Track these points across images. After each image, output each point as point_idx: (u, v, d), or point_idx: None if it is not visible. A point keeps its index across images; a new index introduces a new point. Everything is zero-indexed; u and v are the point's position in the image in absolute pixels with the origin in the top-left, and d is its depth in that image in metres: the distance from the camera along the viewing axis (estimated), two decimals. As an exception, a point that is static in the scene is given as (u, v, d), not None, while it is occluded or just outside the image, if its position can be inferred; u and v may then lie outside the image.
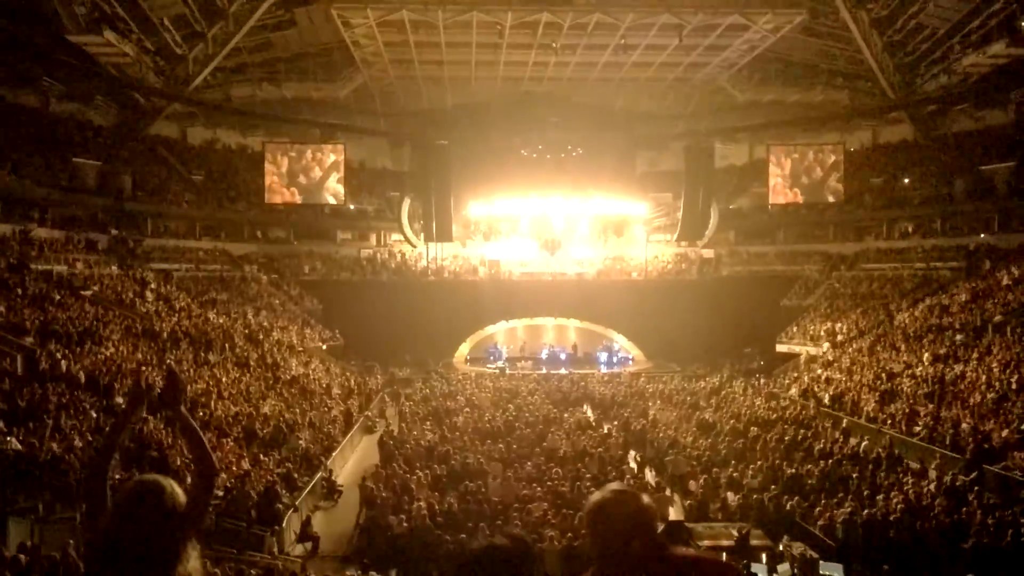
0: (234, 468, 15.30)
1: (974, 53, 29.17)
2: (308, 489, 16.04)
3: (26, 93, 33.44)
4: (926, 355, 23.11)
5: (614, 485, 2.15)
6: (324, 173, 39.36)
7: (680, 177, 37.87)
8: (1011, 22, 26.45)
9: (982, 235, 33.10)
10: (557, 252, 41.09)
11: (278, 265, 38.89)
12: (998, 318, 23.64)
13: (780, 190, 39.45)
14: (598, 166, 40.10)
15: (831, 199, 38.85)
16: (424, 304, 35.04)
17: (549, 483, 15.30)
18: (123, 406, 2.84)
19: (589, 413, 24.94)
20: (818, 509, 13.86)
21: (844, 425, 20.61)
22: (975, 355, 21.70)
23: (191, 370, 21.16)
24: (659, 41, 33.63)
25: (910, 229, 36.97)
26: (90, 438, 13.93)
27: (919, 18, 30.94)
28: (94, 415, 15.46)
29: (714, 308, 34.34)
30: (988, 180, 34.28)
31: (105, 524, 2.25)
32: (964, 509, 12.92)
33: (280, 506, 14.26)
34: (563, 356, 37.72)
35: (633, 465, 18.16)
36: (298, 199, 39.31)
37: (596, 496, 2.08)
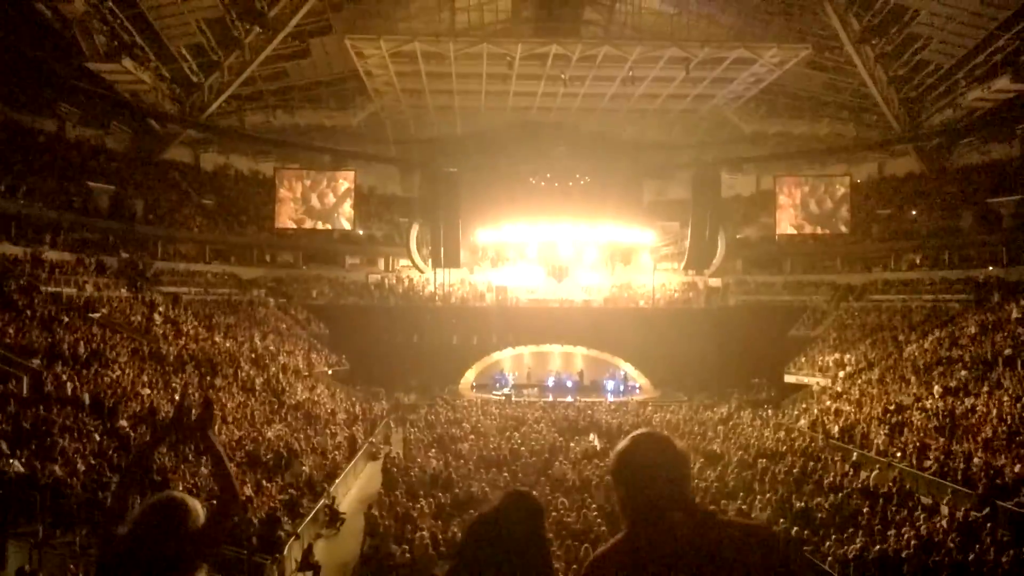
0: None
1: (979, 88, 29.37)
2: (310, 516, 15.90)
3: (43, 119, 34.00)
4: (936, 388, 22.88)
5: (644, 428, 2.07)
6: (338, 199, 39.72)
7: (687, 206, 38.00)
8: (1015, 58, 26.66)
9: (990, 267, 32.98)
10: (564, 279, 41.11)
11: (286, 289, 39.05)
12: (1008, 351, 23.43)
13: (790, 221, 39.50)
14: (605, 194, 40.28)
15: (842, 229, 38.85)
16: (431, 329, 35.05)
17: (554, 513, 15.10)
18: (163, 423, 2.87)
19: (596, 442, 24.70)
20: (828, 544, 13.63)
21: (854, 458, 20.35)
22: (985, 388, 21.48)
23: (195, 394, 21.14)
24: (666, 73, 33.99)
25: (918, 261, 36.86)
26: (92, 461, 13.89)
27: (924, 54, 31.20)
28: (97, 438, 15.43)
29: (722, 337, 34.18)
30: (995, 213, 34.25)
31: (124, 536, 2.25)
32: (977, 546, 12.68)
33: (282, 534, 14.13)
34: (570, 384, 37.53)
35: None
36: (311, 224, 39.63)
37: (625, 441, 1.98)
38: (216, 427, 17.94)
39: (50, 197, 30.79)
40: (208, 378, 23.18)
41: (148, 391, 19.54)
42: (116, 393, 18.26)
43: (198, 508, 2.29)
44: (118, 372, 19.97)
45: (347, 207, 39.78)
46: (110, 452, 15.08)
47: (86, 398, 17.33)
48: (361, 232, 41.91)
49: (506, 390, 36.02)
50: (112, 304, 26.88)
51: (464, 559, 1.87)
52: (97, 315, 24.63)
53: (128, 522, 2.30)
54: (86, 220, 32.41)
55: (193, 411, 2.84)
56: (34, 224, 29.43)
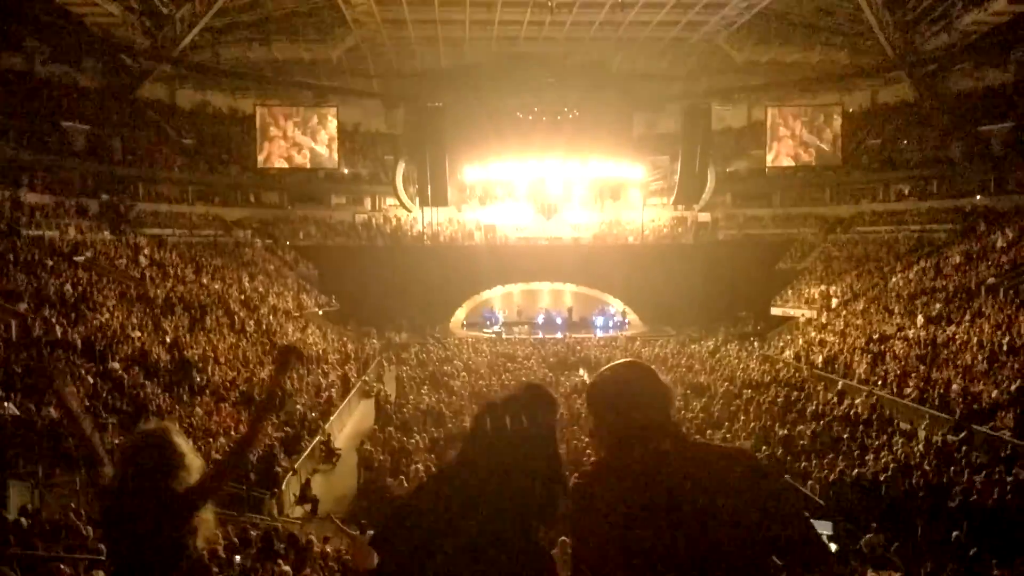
0: (232, 432, 15.43)
1: (976, 10, 28.75)
2: (306, 453, 16.22)
3: (11, 55, 32.79)
4: (919, 317, 23.26)
5: (624, 359, 2.09)
6: (321, 136, 38.99)
7: (677, 140, 37.58)
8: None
9: (978, 197, 33.03)
10: (553, 216, 40.94)
11: (272, 230, 38.68)
12: (991, 280, 23.74)
13: (782, 153, 39.18)
14: (595, 128, 39.69)
15: (832, 160, 38.65)
16: (420, 269, 34.99)
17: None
18: (265, 402, 2.87)
19: (585, 377, 25.12)
20: (809, 468, 14.09)
21: (839, 387, 20.82)
22: (967, 317, 21.85)
23: (186, 336, 21.20)
24: (656, -1, 33.02)
25: (906, 191, 36.88)
26: (87, 404, 13.99)
27: (920, -26, 30.46)
28: (91, 381, 15.52)
29: (710, 272, 34.37)
30: (985, 141, 34.10)
31: (112, 485, 2.23)
32: (952, 468, 13.14)
33: (279, 469, 14.44)
34: (559, 320, 37.85)
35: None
36: (295, 163, 38.98)
37: (604, 369, 2.02)
38: (206, 366, 17.99)
39: (24, 138, 30.01)
40: (198, 320, 23.18)
41: (138, 334, 19.55)
42: (107, 336, 18.27)
43: (192, 456, 2.24)
44: (107, 315, 19.93)
45: (330, 144, 39.07)
46: (104, 394, 15.20)
47: (78, 342, 17.34)
48: (346, 171, 41.30)
49: (496, 328, 36.31)
50: (96, 247, 26.60)
51: (475, 439, 1.87)
52: (82, 258, 24.40)
53: (115, 468, 2.27)
54: (63, 161, 31.70)
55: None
56: (10, 166, 28.76)
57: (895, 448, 14.88)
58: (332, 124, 39.23)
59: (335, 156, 39.32)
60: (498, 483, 1.79)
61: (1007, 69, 35.02)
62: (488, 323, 37.34)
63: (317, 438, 17.39)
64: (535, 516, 1.83)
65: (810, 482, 13.71)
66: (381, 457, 15.00)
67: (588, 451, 14.56)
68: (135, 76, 37.02)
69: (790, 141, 38.94)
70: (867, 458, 14.38)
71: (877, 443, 15.54)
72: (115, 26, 30.90)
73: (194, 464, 2.27)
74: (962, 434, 15.10)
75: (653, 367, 2.02)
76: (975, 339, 19.87)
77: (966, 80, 36.78)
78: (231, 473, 2.61)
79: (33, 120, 31.23)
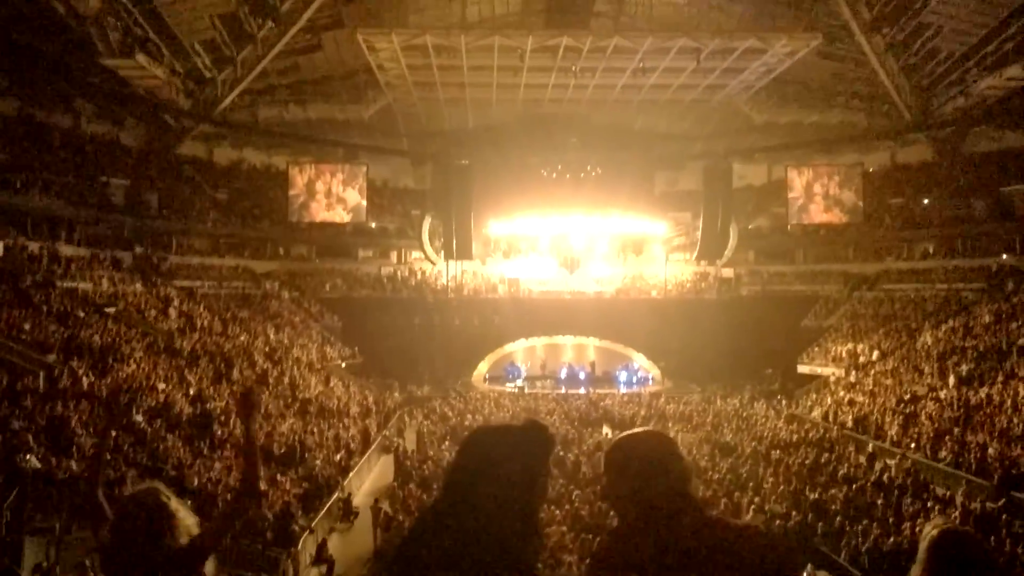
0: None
1: (990, 76, 29.00)
2: (324, 510, 16.03)
3: (59, 114, 34.28)
4: (951, 378, 22.71)
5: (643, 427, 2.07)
6: (349, 192, 39.87)
7: (699, 197, 37.75)
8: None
9: (1004, 256, 32.61)
10: (576, 270, 41.06)
11: (299, 282, 39.24)
12: (1022, 340, 23.20)
13: (802, 210, 39.20)
14: (617, 186, 40.10)
15: (854, 218, 38.53)
16: (443, 322, 35.16)
17: (568, 506, 15.17)
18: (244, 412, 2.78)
19: (609, 434, 24.73)
20: (843, 536, 13.61)
21: (870, 449, 20.26)
22: (1000, 378, 21.29)
23: (210, 388, 21.35)
24: (677, 64, 33.74)
25: (931, 250, 36.51)
26: (108, 456, 14.06)
27: (935, 42, 30.81)
28: (113, 433, 15.62)
29: (734, 328, 34.04)
30: (1008, 201, 33.89)
31: (107, 542, 2.24)
32: (993, 538, 12.62)
33: (296, 527, 14.28)
34: (582, 375, 37.54)
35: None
36: (324, 218, 39.80)
37: (622, 436, 2.00)
38: (227, 419, 18.03)
39: (65, 192, 31.08)
40: (223, 371, 23.38)
41: (163, 385, 19.74)
42: (132, 388, 18.46)
43: (184, 516, 2.23)
44: (133, 367, 20.19)
45: (360, 200, 39.89)
46: (126, 447, 15.28)
47: (102, 393, 17.53)
48: (374, 225, 42.02)
49: (519, 382, 36.09)
50: (127, 299, 27.15)
51: (454, 482, 1.75)
52: (112, 310, 24.88)
53: (110, 525, 2.28)
54: (101, 215, 32.71)
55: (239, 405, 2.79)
56: (50, 219, 29.73)
57: (932, 515, 14.35)
58: (362, 180, 40.11)
59: (364, 211, 40.08)
60: (473, 537, 1.68)
61: (1025, 132, 35.11)
62: (510, 377, 37.14)
63: (335, 495, 17.22)
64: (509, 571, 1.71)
65: (844, 551, 13.23)
66: (399, 517, 14.78)
67: (612, 512, 14.26)
68: (175, 134, 38.42)
69: (811, 200, 38.95)
70: (903, 526, 13.87)
71: (912, 509, 15.01)
72: (159, 88, 32.24)
73: (186, 523, 2.26)
74: (1001, 501, 14.55)
75: (667, 435, 2.02)
76: (1009, 401, 19.31)
77: (985, 141, 36.80)
78: (227, 531, 2.59)
79: (76, 176, 32.39)
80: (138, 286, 29.58)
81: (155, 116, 37.06)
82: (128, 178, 35.18)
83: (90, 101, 34.53)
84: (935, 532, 2.02)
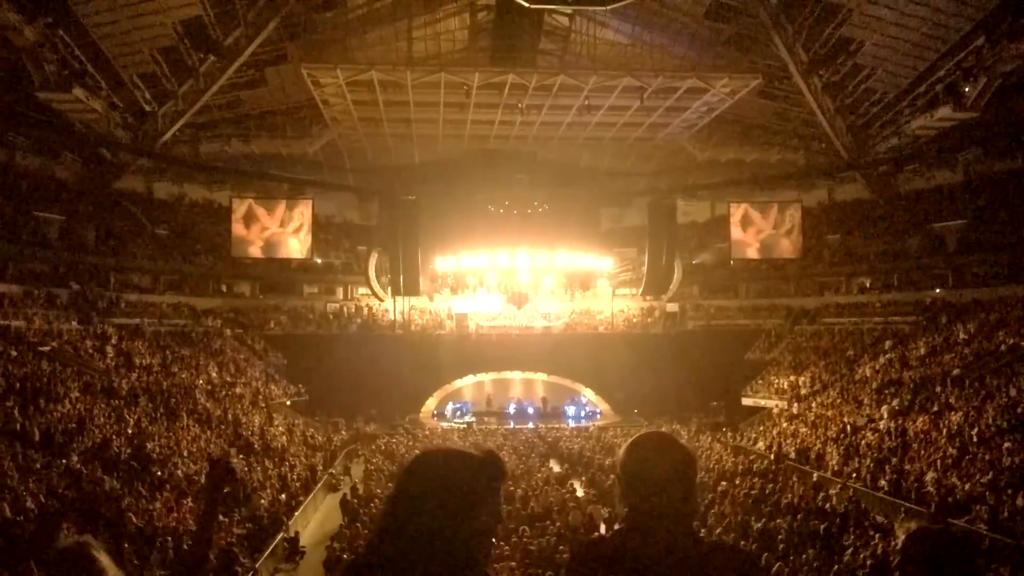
0: (192, 529, 14.79)
1: (922, 117, 30.61)
2: (269, 551, 15.54)
3: (-8, 149, 33.10)
4: (888, 408, 23.51)
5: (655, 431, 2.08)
6: (294, 228, 39.30)
7: (644, 233, 38.56)
8: (954, 88, 27.79)
9: (937, 290, 34.17)
10: (524, 306, 41.25)
11: (243, 319, 38.36)
12: (956, 371, 24.25)
13: (744, 246, 40.42)
14: (564, 222, 40.70)
15: (794, 254, 39.89)
16: (390, 358, 34.74)
17: (516, 540, 15.04)
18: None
19: (557, 468, 24.71)
20: (780, 561, 13.83)
21: (815, 479, 20.74)
22: (935, 408, 22.16)
23: (149, 428, 20.58)
24: (621, 102, 34.72)
25: (868, 284, 38.02)
26: (42, 499, 13.39)
27: (869, 83, 32.47)
28: (46, 474, 14.88)
29: (680, 361, 34.65)
30: (940, 237, 35.59)
31: None
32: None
33: (239, 569, 13.78)
34: (531, 410, 37.51)
35: (602, 524, 17.96)
36: (267, 254, 39.08)
37: (636, 436, 2.03)
38: (168, 460, 17.40)
39: (-4, 228, 29.89)
40: (163, 411, 22.57)
41: (100, 422, 18.95)
42: (67, 428, 17.67)
43: (108, 568, 2.19)
44: (68, 406, 19.34)
45: (305, 236, 39.39)
46: (61, 489, 14.57)
47: (36, 433, 16.73)
48: (319, 261, 41.50)
49: (467, 418, 35.82)
50: (62, 337, 26.08)
51: (402, 488, 1.67)
52: (47, 348, 23.86)
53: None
54: (35, 252, 31.48)
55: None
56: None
57: (872, 544, 14.72)
58: (307, 216, 39.65)
59: (308, 247, 39.58)
60: (411, 572, 1.61)
61: (955, 170, 37.11)
62: (459, 413, 36.83)
63: (280, 535, 16.71)
64: None
65: (788, 578, 13.44)
66: (346, 556, 14.42)
67: (560, 546, 14.19)
68: (114, 168, 37.41)
69: (752, 235, 40.22)
70: (845, 555, 14.19)
71: (852, 537, 15.37)
72: (97, 121, 31.43)
73: None
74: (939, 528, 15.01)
75: (678, 441, 2.04)
76: (944, 430, 20.10)
77: (917, 180, 38.78)
78: None
79: (7, 210, 31.17)
80: (74, 323, 28.48)
81: (92, 150, 36.08)
82: (63, 213, 34.02)
83: (24, 135, 33.44)
84: (909, 530, 2.07)
